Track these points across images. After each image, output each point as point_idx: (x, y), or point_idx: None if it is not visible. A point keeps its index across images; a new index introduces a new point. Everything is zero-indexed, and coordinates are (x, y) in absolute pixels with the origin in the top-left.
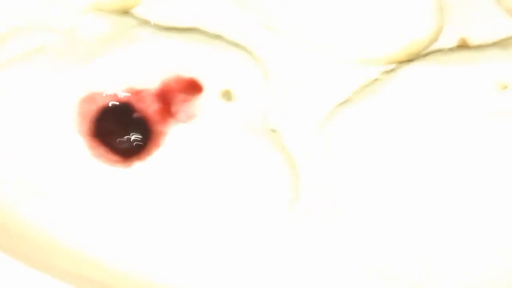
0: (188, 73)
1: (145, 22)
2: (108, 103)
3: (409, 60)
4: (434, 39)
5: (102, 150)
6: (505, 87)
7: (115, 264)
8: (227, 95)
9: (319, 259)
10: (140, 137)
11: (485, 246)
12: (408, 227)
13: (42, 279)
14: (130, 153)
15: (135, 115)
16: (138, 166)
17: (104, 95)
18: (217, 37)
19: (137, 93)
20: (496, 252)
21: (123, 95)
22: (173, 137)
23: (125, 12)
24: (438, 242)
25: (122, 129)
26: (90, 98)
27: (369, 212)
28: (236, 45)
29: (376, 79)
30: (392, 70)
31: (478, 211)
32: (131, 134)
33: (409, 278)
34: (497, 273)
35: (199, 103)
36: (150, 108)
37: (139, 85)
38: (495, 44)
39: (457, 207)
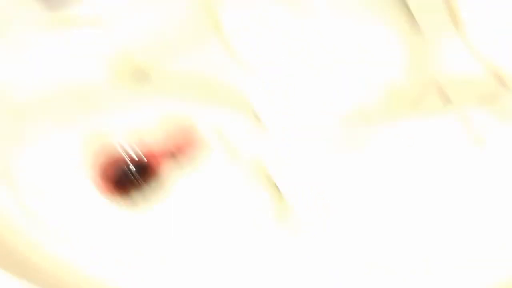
0: (191, 126)
1: (150, 74)
2: (116, 148)
3: (391, 112)
4: (413, 86)
5: (109, 192)
6: (483, 142)
7: None
8: (221, 137)
9: (316, 263)
10: (149, 184)
11: (484, 244)
12: (406, 227)
13: None
14: (136, 197)
15: (145, 164)
16: (146, 209)
17: (113, 140)
18: (219, 92)
19: (146, 145)
20: (495, 250)
21: (134, 146)
22: (178, 183)
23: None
24: (437, 242)
25: (133, 177)
26: (99, 141)
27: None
28: (238, 101)
29: (362, 132)
30: (378, 122)
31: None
32: (141, 181)
33: (409, 277)
34: (496, 271)
35: (202, 153)
36: (158, 158)
37: (148, 137)
38: (477, 100)
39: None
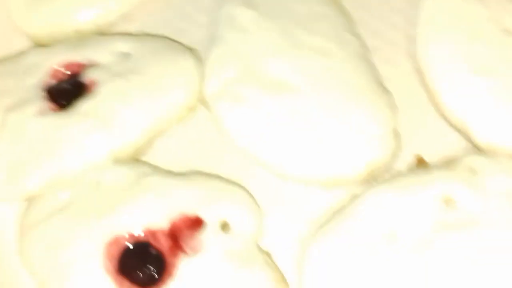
0: (192, 211)
1: (155, 169)
2: (129, 244)
3: (372, 181)
4: (392, 160)
5: (126, 284)
6: (452, 202)
7: None
8: (225, 227)
9: None
10: (156, 270)
11: None
12: None
13: None
14: (149, 284)
15: (151, 251)
16: None
17: (126, 236)
18: (214, 176)
19: (153, 233)
20: None
21: (142, 235)
22: (183, 268)
23: (136, 159)
24: None
25: (142, 264)
26: (114, 241)
27: None
28: (231, 182)
29: (345, 203)
30: (357, 195)
31: None
32: (150, 269)
33: None
34: None
35: (203, 236)
36: (164, 245)
37: (153, 225)
38: (442, 165)
39: None
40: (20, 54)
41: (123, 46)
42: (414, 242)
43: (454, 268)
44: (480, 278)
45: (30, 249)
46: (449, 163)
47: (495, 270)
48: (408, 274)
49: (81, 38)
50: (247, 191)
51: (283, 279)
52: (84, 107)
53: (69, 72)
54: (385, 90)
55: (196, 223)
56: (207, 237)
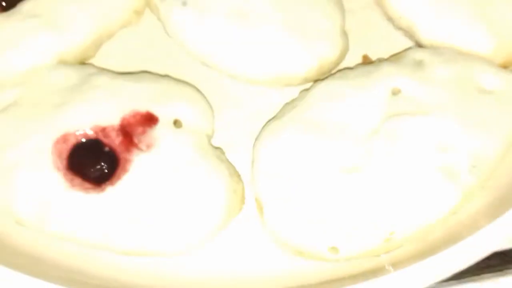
0: (143, 108)
1: (102, 70)
2: (79, 141)
3: (322, 78)
4: (341, 59)
5: (77, 180)
6: (398, 92)
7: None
8: (177, 123)
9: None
10: (108, 165)
11: None
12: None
13: None
14: (102, 180)
15: (103, 148)
16: (110, 190)
17: (75, 134)
18: (164, 76)
19: (102, 129)
20: None
21: (91, 132)
22: (138, 163)
23: (83, 62)
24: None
25: (93, 161)
26: (63, 139)
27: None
28: (181, 81)
29: (296, 97)
30: (309, 88)
31: None
32: (101, 164)
33: None
34: None
35: (156, 132)
36: (115, 141)
37: (103, 122)
38: (389, 59)
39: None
40: None
41: None
42: (364, 130)
43: (400, 152)
44: (424, 158)
45: None
46: (395, 58)
47: (437, 148)
48: (357, 160)
49: None
50: (197, 89)
51: (236, 172)
52: (26, 7)
53: None
54: None
55: (148, 119)
56: (160, 133)
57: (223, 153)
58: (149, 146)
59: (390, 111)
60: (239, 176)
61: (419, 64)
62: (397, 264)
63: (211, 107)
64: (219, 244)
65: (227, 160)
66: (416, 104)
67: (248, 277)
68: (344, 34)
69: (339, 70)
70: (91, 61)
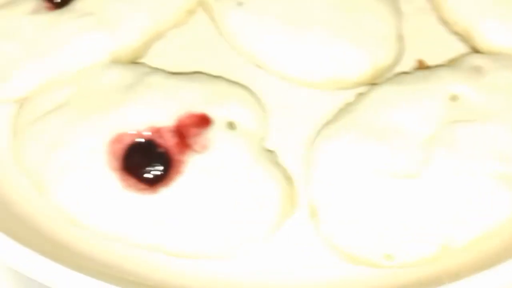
0: (198, 109)
1: (156, 69)
2: (134, 141)
3: (376, 82)
4: (396, 63)
5: (132, 181)
6: (457, 98)
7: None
8: (232, 125)
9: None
10: (164, 167)
11: None
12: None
13: None
14: (155, 181)
15: (157, 149)
16: (164, 191)
17: (130, 134)
18: (218, 77)
19: (157, 130)
20: None
21: (146, 133)
22: (192, 164)
23: (134, 62)
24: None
25: (147, 162)
26: (118, 138)
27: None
28: (235, 83)
29: (351, 101)
30: (365, 92)
31: None
32: (155, 165)
33: None
34: None
35: (211, 134)
36: (170, 142)
37: (158, 123)
38: (446, 64)
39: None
40: None
41: None
42: (421, 136)
43: (458, 159)
44: (483, 165)
45: (25, 149)
46: (452, 63)
47: (496, 156)
48: (414, 166)
49: None
50: (252, 91)
51: (289, 176)
52: (79, 4)
53: None
54: None
55: (203, 121)
56: (214, 135)
57: (276, 156)
58: (203, 148)
59: (448, 118)
60: (292, 180)
61: (477, 70)
62: (452, 274)
63: (265, 109)
64: (271, 248)
65: (281, 163)
66: (475, 110)
67: (299, 282)
68: (400, 38)
69: (395, 75)
70: (142, 60)
